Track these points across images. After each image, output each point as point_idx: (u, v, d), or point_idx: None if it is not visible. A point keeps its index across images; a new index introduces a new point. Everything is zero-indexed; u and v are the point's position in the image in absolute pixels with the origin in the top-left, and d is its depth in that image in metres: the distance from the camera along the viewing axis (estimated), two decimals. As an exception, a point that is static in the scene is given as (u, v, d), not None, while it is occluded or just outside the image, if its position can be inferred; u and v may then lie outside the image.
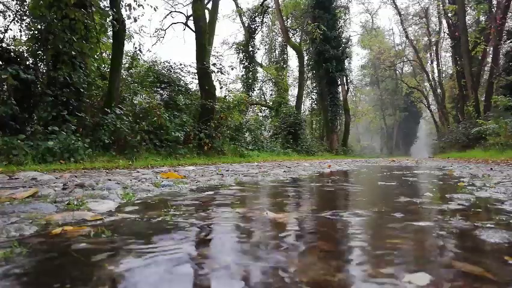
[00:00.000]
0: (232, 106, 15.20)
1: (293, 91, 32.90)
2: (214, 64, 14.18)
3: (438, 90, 36.17)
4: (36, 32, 8.13)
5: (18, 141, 6.09)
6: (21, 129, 6.98)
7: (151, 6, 10.93)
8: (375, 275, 0.82)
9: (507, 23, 20.84)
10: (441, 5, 29.22)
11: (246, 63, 28.33)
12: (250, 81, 27.95)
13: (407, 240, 1.16)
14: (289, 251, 1.03)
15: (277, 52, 31.55)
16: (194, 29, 14.43)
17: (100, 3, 9.37)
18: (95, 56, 10.14)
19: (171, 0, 26.37)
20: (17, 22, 8.57)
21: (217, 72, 14.50)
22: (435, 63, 37.77)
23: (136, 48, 14.06)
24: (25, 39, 8.60)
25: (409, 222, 1.41)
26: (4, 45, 7.89)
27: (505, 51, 20.10)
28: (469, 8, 24.94)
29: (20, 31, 8.71)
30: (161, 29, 24.08)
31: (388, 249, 1.05)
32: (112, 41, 10.31)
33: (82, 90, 8.30)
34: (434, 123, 39.55)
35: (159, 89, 13.88)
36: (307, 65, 28.72)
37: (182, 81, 14.65)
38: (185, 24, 23.20)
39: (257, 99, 28.95)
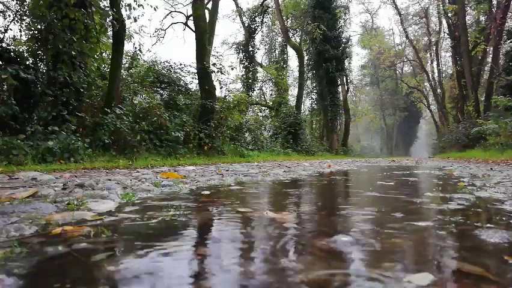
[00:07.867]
0: (232, 106, 15.21)
1: (293, 91, 32.88)
2: (214, 64, 14.19)
3: (438, 90, 36.17)
4: (36, 32, 8.12)
5: (18, 141, 6.08)
6: (21, 129, 6.97)
7: (151, 6, 10.94)
8: (375, 274, 0.82)
9: (507, 23, 20.81)
10: (441, 5, 29.21)
11: (246, 63, 28.31)
12: (250, 81, 27.91)
13: (407, 240, 1.16)
14: (289, 251, 1.03)
15: (277, 52, 31.56)
16: (194, 29, 14.44)
17: (100, 3, 9.35)
18: (95, 56, 10.14)
19: (171, 0, 26.28)
20: (17, 22, 8.56)
21: (217, 72, 14.52)
22: (435, 63, 37.83)
23: (136, 48, 14.09)
24: (25, 39, 8.59)
25: (409, 222, 1.41)
26: (4, 45, 7.88)
27: (505, 51, 20.10)
28: (469, 8, 24.92)
29: (20, 31, 8.70)
30: (161, 29, 24.08)
31: (388, 249, 1.05)
32: (112, 41, 10.32)
33: (82, 90, 8.30)
34: (434, 123, 39.53)
35: (159, 89, 13.90)
36: (307, 65, 28.70)
37: (182, 81, 14.67)
38: (186, 24, 23.21)
39: (257, 99, 28.92)
